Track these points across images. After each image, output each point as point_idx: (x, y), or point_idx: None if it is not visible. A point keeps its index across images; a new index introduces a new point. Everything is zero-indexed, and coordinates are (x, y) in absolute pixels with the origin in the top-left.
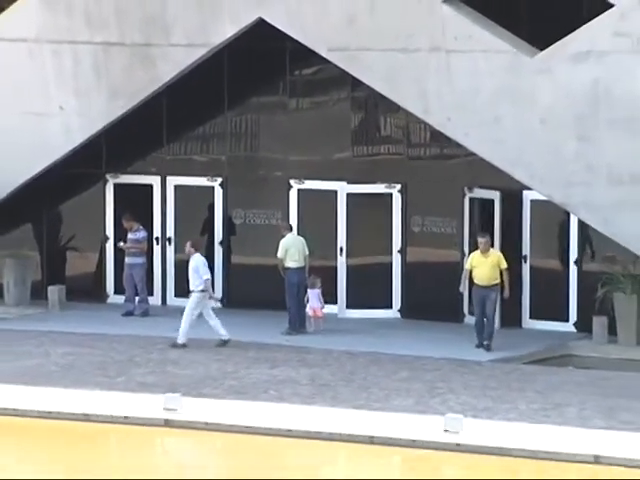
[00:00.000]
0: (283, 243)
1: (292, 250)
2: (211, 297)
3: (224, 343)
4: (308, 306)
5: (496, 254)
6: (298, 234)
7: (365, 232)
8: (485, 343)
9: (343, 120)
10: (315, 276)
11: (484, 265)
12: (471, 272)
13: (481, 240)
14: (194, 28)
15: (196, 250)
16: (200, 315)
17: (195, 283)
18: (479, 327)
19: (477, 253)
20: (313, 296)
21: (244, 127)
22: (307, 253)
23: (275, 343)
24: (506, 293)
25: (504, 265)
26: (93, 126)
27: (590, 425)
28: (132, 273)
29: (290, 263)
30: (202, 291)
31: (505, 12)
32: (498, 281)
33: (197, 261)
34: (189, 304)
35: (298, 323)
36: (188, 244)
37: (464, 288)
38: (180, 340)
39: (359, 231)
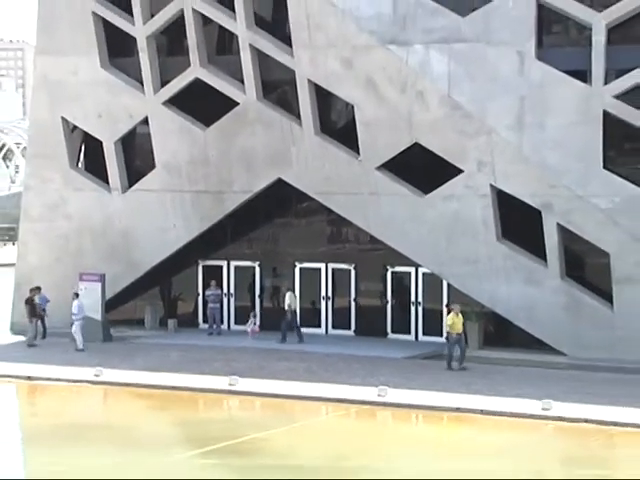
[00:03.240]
0: (288, 296)
1: (292, 300)
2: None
3: (81, 350)
4: (250, 327)
5: (462, 316)
6: (300, 293)
7: (336, 289)
8: (462, 365)
9: (322, 231)
10: (254, 313)
11: (457, 322)
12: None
13: (454, 308)
14: (244, 183)
15: (76, 297)
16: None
17: (73, 315)
18: (450, 357)
19: (453, 314)
20: (252, 322)
21: (271, 234)
22: (297, 302)
23: (286, 349)
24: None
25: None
26: (191, 235)
27: (455, 391)
28: (213, 313)
29: (293, 306)
30: (77, 320)
31: (409, 171)
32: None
33: (75, 304)
34: (73, 328)
35: (285, 338)
36: (73, 293)
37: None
38: (79, 347)
39: (333, 289)
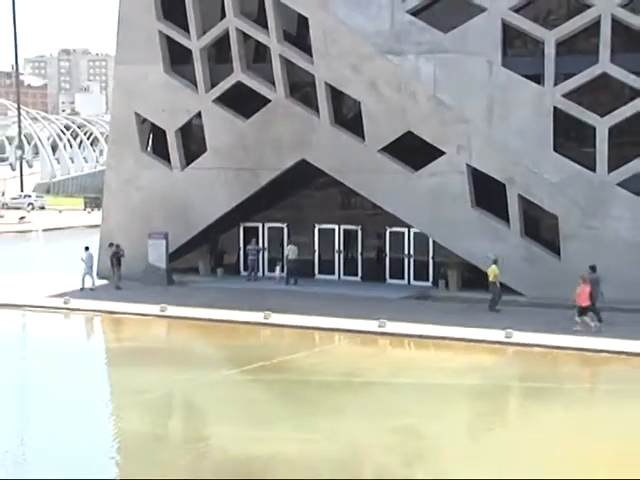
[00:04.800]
0: (288, 248)
1: (291, 252)
2: (90, 269)
3: (91, 289)
4: (277, 272)
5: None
6: (319, 250)
7: (346, 245)
8: (497, 308)
9: (336, 199)
10: (278, 261)
11: (495, 271)
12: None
13: (495, 261)
14: (274, 162)
15: (86, 250)
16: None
17: (85, 263)
18: (494, 302)
19: (495, 267)
20: (278, 269)
21: (296, 202)
22: (297, 253)
23: (307, 291)
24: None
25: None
26: (233, 202)
27: (438, 323)
28: (253, 263)
29: (291, 256)
30: (88, 267)
31: (404, 153)
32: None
33: (87, 254)
34: (83, 271)
35: (294, 281)
36: (84, 247)
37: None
38: (90, 287)
39: (344, 244)
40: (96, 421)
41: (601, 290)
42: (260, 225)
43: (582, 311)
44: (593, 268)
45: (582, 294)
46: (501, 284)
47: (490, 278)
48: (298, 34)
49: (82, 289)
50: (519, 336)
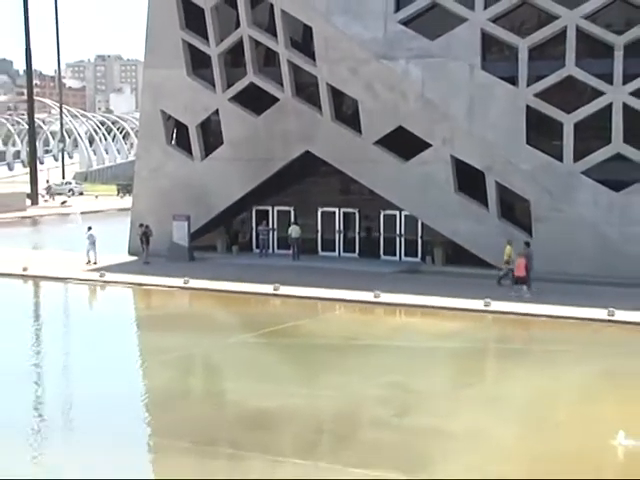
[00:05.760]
0: (291, 228)
1: (294, 232)
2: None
3: (94, 263)
4: (291, 249)
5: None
6: (322, 230)
7: (346, 226)
8: (503, 282)
9: (336, 186)
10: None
11: (509, 252)
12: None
13: (510, 242)
14: (282, 152)
15: (89, 230)
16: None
17: (88, 240)
18: (507, 277)
19: (509, 247)
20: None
21: (301, 188)
22: (300, 232)
23: (311, 266)
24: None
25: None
26: (247, 188)
27: (426, 294)
28: (264, 242)
29: (294, 235)
30: (90, 244)
31: (396, 145)
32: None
33: (88, 234)
34: (86, 247)
35: (297, 256)
36: (87, 227)
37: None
38: (93, 261)
39: (344, 225)
40: (131, 374)
41: (532, 263)
42: (270, 208)
43: (517, 280)
44: (528, 244)
45: (519, 266)
46: (482, 260)
47: (505, 257)
48: (303, 41)
49: (95, 262)
50: (497, 304)
